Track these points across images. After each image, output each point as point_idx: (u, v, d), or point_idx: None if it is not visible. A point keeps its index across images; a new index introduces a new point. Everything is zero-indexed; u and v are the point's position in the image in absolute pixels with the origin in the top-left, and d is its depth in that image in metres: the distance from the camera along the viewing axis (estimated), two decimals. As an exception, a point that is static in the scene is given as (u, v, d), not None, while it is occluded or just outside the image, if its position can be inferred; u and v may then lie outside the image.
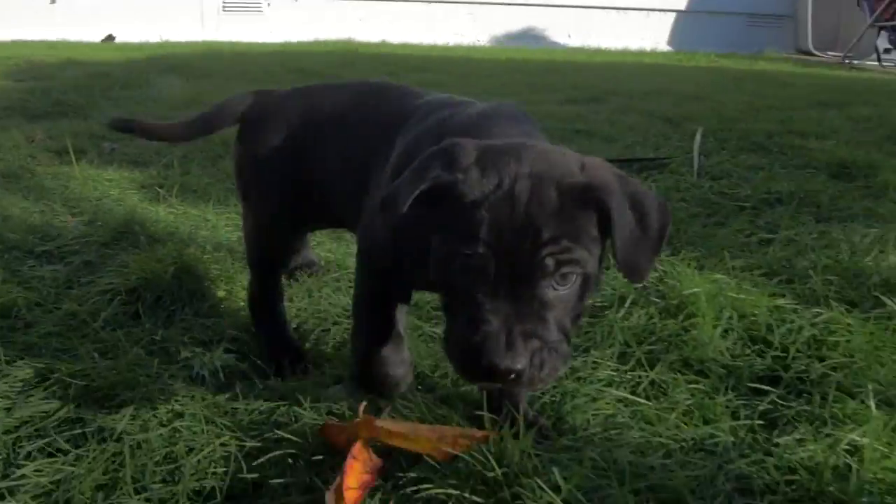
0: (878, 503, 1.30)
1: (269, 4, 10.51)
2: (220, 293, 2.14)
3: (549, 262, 1.14)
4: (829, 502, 1.31)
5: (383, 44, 9.78)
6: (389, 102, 1.68)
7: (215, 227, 2.65)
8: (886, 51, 10.11)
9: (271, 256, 1.91)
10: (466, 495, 1.29)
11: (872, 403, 1.56)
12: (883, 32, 9.48)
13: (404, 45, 9.66)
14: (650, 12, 11.54)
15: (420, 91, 1.74)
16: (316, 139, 1.74)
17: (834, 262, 2.32)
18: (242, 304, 2.06)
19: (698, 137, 3.84)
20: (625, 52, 10.00)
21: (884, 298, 2.03)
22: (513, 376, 1.12)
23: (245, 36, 9.77)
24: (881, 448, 1.44)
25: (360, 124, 1.68)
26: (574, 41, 11.08)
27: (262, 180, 1.82)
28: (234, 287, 2.16)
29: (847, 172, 3.50)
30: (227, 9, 10.37)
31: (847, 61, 9.41)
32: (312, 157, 1.74)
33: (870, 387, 1.61)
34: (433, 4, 11.01)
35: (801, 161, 3.66)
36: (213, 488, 1.37)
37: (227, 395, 1.63)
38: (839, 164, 3.57)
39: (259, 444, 1.47)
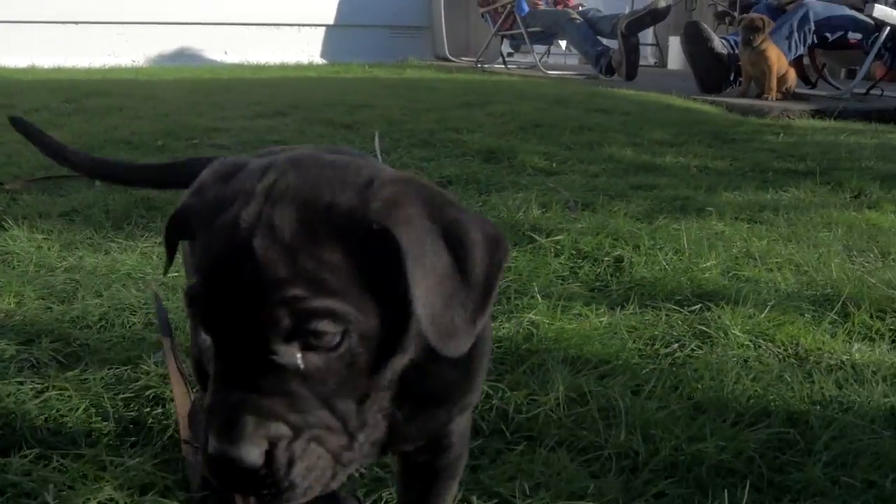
0: (551, 347, 2.11)
1: None
2: (12, 305, 2.43)
3: (282, 313, 0.82)
4: (523, 351, 2.09)
5: (33, 69, 9.37)
6: None
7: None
8: (510, 54, 11.84)
9: None
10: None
11: (539, 297, 2.40)
12: (506, 39, 11.08)
13: (58, 69, 9.33)
14: (301, 27, 12.23)
15: None
16: None
17: (497, 219, 3.19)
18: (36, 309, 2.38)
19: (377, 139, 4.61)
20: (284, 67, 10.56)
21: (534, 236, 2.92)
22: (242, 475, 0.81)
23: None
24: (547, 320, 2.26)
25: None
26: (232, 57, 11.33)
27: None
28: (23, 298, 2.46)
29: (495, 157, 4.50)
30: None
31: (479, 65, 10.83)
32: None
33: (536, 288, 2.45)
34: (81, 25, 10.73)
35: (460, 151, 4.59)
36: (99, 430, 1.78)
37: (75, 371, 2.00)
38: (488, 151, 4.57)
39: (125, 396, 1.89)
